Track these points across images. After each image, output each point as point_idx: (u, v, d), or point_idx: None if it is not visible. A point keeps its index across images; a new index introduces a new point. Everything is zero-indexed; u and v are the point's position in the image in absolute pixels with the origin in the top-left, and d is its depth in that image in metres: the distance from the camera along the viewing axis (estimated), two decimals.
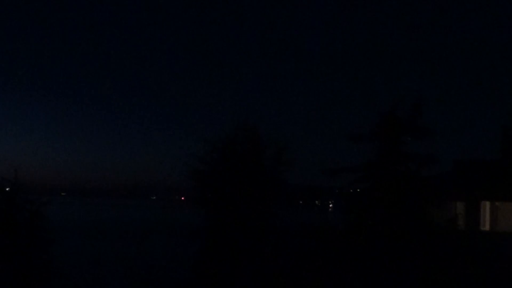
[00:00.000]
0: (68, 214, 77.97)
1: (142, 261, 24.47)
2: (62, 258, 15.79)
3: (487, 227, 28.66)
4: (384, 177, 17.83)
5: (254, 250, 16.41)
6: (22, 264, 14.45)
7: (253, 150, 18.87)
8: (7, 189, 15.51)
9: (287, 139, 19.66)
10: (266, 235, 17.46)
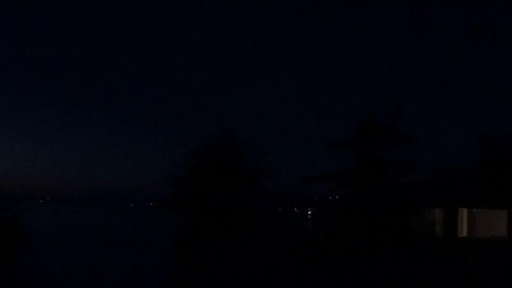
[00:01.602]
0: (46, 221, 76.84)
1: (119, 269, 24.25)
2: (38, 266, 15.57)
3: (464, 233, 28.98)
4: (363, 184, 17.94)
5: (234, 256, 16.38)
6: None
7: (233, 158, 18.85)
8: None
9: (266, 147, 19.72)
10: (246, 241, 17.43)
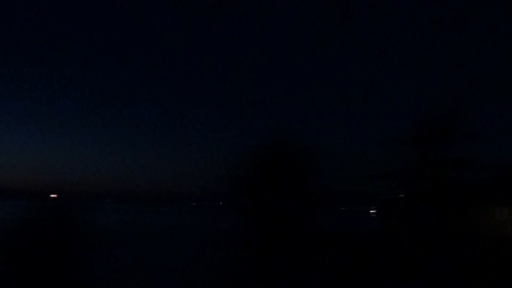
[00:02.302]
0: (112, 220, 78.80)
1: (179, 268, 24.63)
2: (102, 265, 15.94)
3: None
4: (426, 182, 17.45)
5: (293, 256, 16.28)
6: (63, 270, 14.68)
7: (291, 157, 18.74)
8: (52, 196, 15.78)
9: (325, 144, 19.51)
10: (305, 241, 17.29)
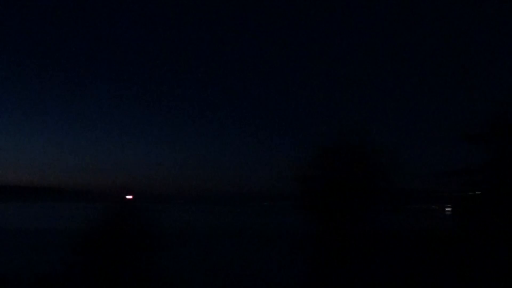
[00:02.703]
0: (185, 220, 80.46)
1: (253, 267, 24.78)
2: (177, 263, 16.28)
3: None
4: (503, 179, 16.74)
5: (365, 255, 16.05)
6: (139, 268, 15.04)
7: (362, 155, 18.43)
8: (127, 197, 16.27)
9: (395, 142, 19.05)
10: (377, 240, 17.01)
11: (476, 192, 18.57)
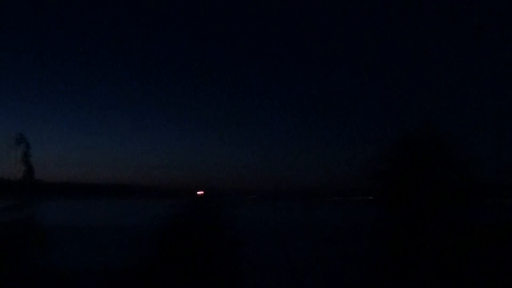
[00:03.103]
0: (258, 216, 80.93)
1: (330, 263, 24.54)
2: (252, 260, 16.24)
3: None
4: None
5: (444, 250, 15.63)
6: (213, 265, 15.10)
7: (438, 148, 17.95)
8: (199, 192, 16.42)
9: (472, 135, 18.34)
10: (456, 235, 16.59)
11: None
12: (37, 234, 16.41)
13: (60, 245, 16.96)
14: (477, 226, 17.26)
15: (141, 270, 14.98)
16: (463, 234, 16.55)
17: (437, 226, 16.81)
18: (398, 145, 17.90)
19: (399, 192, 17.73)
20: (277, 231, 53.27)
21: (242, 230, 15.39)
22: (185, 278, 14.62)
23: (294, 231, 54.47)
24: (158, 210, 15.61)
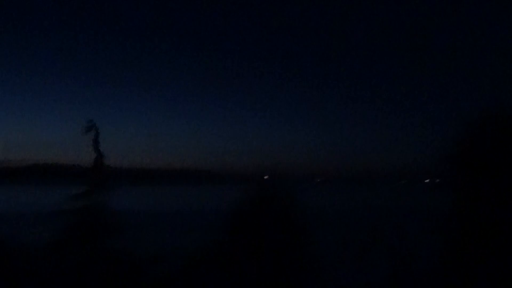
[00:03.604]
0: (325, 201, 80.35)
1: (396, 249, 24.09)
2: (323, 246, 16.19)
3: None
4: None
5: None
6: (277, 253, 15.08)
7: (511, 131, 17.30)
8: (265, 177, 16.46)
9: None
10: None
11: None
12: (110, 219, 16.93)
13: (132, 230, 17.47)
14: None
15: (213, 255, 15.23)
16: None
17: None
18: (470, 127, 17.33)
19: (471, 176, 17.18)
20: (343, 215, 52.94)
21: (311, 215, 15.38)
22: (256, 263, 14.76)
23: (361, 214, 53.96)
24: (224, 195, 15.78)
